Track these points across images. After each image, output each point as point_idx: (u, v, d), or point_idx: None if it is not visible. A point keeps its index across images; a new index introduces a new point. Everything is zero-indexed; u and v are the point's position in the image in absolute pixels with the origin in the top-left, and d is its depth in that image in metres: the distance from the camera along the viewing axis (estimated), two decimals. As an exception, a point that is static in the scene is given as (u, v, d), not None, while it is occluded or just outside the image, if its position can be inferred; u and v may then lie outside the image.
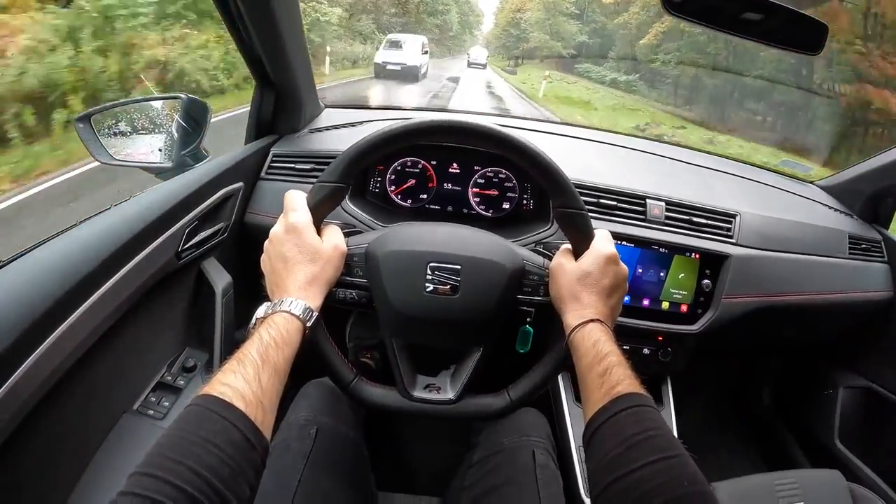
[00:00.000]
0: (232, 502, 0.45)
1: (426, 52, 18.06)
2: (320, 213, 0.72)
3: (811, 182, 1.56)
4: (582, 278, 0.70)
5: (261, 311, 0.65)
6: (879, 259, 1.36)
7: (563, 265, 0.73)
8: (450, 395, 0.76)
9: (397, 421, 1.34)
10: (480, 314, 0.74)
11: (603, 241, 0.73)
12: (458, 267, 0.74)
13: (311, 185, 0.73)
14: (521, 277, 0.76)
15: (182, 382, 0.99)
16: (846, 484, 1.01)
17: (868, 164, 1.41)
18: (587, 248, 0.73)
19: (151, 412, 0.93)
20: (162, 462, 0.45)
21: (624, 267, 0.73)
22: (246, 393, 0.52)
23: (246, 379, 0.54)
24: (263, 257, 0.72)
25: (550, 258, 0.78)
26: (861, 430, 1.45)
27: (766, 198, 1.35)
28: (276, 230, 0.70)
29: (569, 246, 0.76)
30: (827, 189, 1.51)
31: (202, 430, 0.48)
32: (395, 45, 16.47)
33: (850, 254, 1.31)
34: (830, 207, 1.42)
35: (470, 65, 27.92)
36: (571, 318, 0.69)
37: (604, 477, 0.53)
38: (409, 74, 15.80)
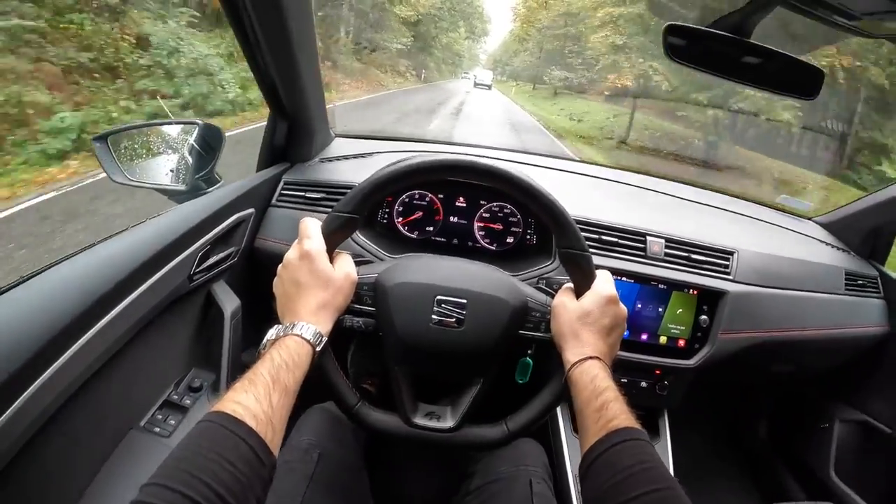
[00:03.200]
0: None
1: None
2: (334, 241, 0.74)
3: (809, 218, 1.59)
4: (582, 317, 0.73)
5: (272, 333, 0.67)
6: (875, 295, 1.38)
7: (565, 304, 0.75)
8: (449, 423, 0.78)
9: (398, 447, 1.35)
10: (483, 347, 0.77)
11: (604, 282, 0.76)
12: (465, 301, 0.76)
13: (321, 214, 0.75)
14: (524, 314, 0.78)
15: (188, 402, 1.01)
16: None
17: (865, 200, 1.44)
18: (588, 288, 0.75)
19: (158, 429, 0.95)
20: (177, 475, 0.47)
21: (623, 308, 0.76)
22: (257, 412, 0.54)
23: (257, 398, 0.56)
24: (276, 281, 0.74)
25: (552, 295, 0.80)
26: (857, 463, 1.46)
27: (763, 234, 1.38)
28: (291, 256, 0.72)
29: (570, 285, 0.78)
30: (825, 225, 1.54)
31: (216, 446, 0.50)
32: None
33: (847, 289, 1.33)
34: (828, 244, 1.45)
35: (476, 85, 31.80)
36: (571, 354, 0.71)
37: None
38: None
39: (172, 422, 0.97)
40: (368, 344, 1.18)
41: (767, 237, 1.36)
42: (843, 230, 1.49)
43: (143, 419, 0.95)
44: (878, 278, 1.40)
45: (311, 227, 0.73)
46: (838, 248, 1.45)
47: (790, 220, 1.53)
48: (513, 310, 0.77)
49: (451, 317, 0.75)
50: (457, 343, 0.76)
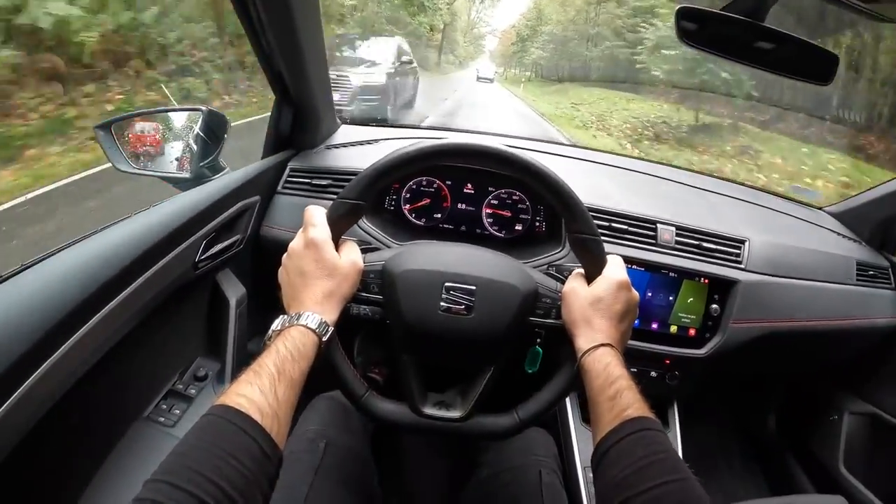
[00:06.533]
0: None
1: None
2: (339, 229, 0.73)
3: (820, 208, 1.57)
4: (594, 303, 0.71)
5: (277, 324, 0.66)
6: (887, 286, 1.36)
7: (576, 290, 0.74)
8: (459, 412, 0.77)
9: (406, 437, 1.34)
10: (493, 335, 0.75)
11: (615, 267, 0.74)
12: (473, 288, 0.75)
13: (327, 201, 0.74)
14: (535, 300, 0.77)
15: (193, 391, 1.00)
16: None
17: (877, 190, 1.42)
18: (600, 273, 0.74)
19: (162, 419, 0.94)
20: (180, 470, 0.46)
21: (635, 293, 0.74)
22: (262, 405, 0.53)
23: (262, 390, 0.55)
24: (281, 270, 0.73)
25: (563, 282, 0.79)
26: (866, 455, 1.44)
27: (775, 224, 1.36)
28: (296, 244, 0.71)
29: (581, 270, 0.77)
30: (836, 215, 1.52)
31: (220, 441, 0.49)
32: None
33: (858, 280, 1.31)
34: (839, 234, 1.43)
35: (479, 79, 29.50)
36: (583, 341, 0.70)
37: (612, 498, 0.54)
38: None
39: (177, 411, 0.96)
40: (376, 333, 1.17)
41: (778, 226, 1.35)
42: (854, 220, 1.47)
43: (148, 409, 0.95)
44: (890, 269, 1.38)
45: (316, 215, 0.72)
46: (849, 239, 1.43)
47: (801, 209, 1.52)
48: (523, 296, 0.75)
49: (460, 304, 0.74)
50: (466, 330, 0.74)
